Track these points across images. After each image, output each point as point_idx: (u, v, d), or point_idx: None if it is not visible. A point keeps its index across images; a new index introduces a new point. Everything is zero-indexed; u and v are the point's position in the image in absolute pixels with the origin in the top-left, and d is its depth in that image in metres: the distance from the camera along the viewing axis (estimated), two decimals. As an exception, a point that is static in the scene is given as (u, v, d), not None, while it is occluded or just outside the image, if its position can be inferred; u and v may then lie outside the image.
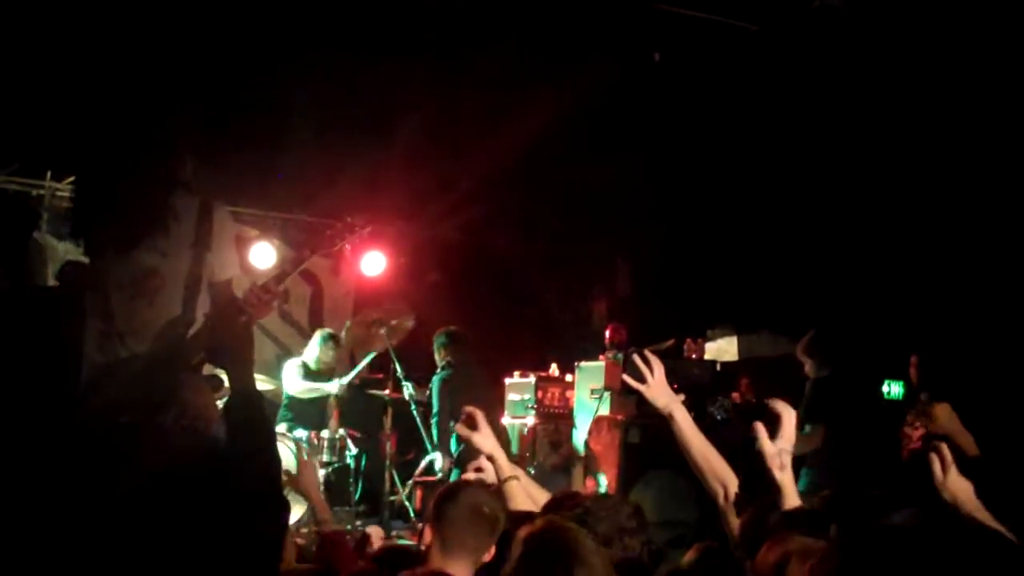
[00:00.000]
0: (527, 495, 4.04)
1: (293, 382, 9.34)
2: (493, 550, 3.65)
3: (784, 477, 3.32)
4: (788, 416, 3.39)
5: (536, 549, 2.74)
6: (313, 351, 9.51)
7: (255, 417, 2.81)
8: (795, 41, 7.59)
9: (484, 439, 4.11)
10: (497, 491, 4.01)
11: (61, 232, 8.00)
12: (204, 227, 4.30)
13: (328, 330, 9.81)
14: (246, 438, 2.75)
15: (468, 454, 8.16)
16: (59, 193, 8.80)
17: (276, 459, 2.82)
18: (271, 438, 2.84)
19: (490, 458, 4.08)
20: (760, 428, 3.32)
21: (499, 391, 9.64)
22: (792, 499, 3.34)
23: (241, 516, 2.57)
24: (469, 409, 4.22)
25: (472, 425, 4.13)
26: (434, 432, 8.78)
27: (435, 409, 8.73)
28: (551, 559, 2.69)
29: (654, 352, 8.89)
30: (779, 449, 3.32)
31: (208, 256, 4.29)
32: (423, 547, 3.73)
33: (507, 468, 4.04)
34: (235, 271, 4.47)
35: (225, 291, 4.32)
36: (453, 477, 8.50)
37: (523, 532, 2.78)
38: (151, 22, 7.31)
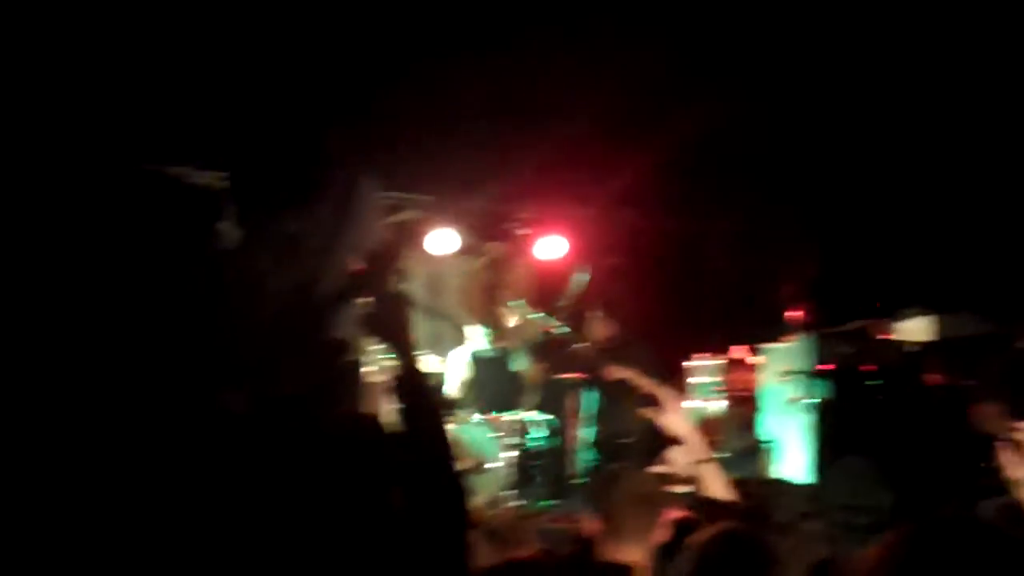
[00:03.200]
0: (723, 479, 3.89)
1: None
2: (665, 530, 3.59)
3: None
4: None
5: (716, 559, 2.63)
6: (477, 335, 9.54)
7: (421, 391, 2.82)
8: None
9: (673, 420, 3.91)
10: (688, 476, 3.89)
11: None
12: (345, 200, 4.33)
13: None
14: (415, 414, 2.76)
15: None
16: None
17: (444, 435, 2.81)
18: (440, 413, 2.84)
19: (680, 440, 3.90)
20: (1006, 452, 3.10)
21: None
22: None
23: (417, 498, 2.57)
24: (651, 389, 4.02)
25: (657, 406, 3.94)
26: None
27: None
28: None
29: (843, 333, 8.64)
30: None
31: (350, 229, 4.32)
32: (592, 535, 3.69)
33: (701, 450, 3.86)
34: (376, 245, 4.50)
35: (377, 281, 4.35)
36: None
37: (697, 541, 2.67)
38: (327, 18, 7.46)
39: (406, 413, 2.80)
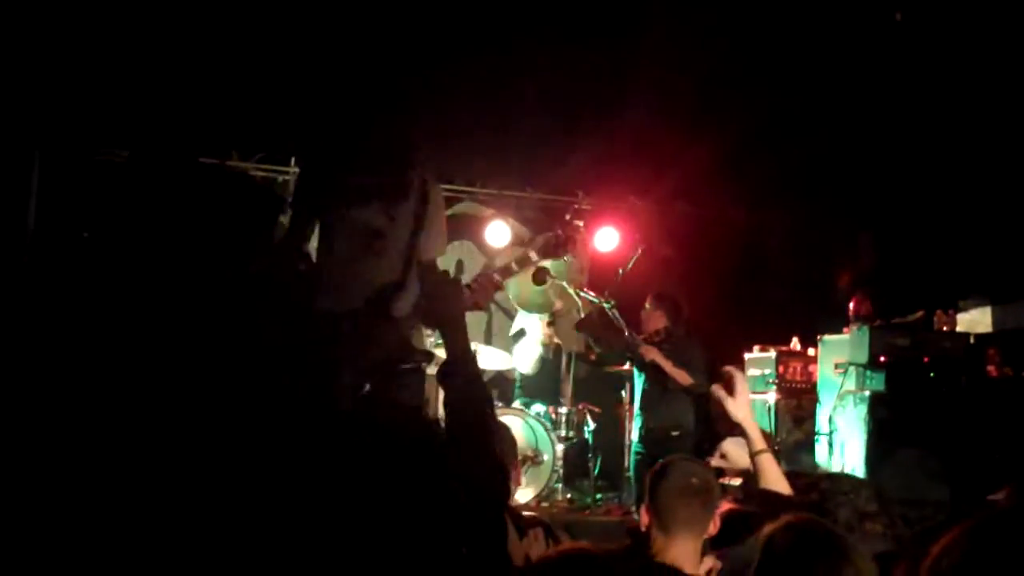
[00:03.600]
0: (780, 471, 3.85)
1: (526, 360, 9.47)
2: (718, 522, 3.57)
3: None
4: None
5: (788, 548, 2.61)
6: (536, 331, 9.54)
7: (472, 378, 2.84)
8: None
9: (738, 406, 3.84)
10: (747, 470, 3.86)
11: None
12: (423, 203, 4.43)
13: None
14: (464, 399, 2.78)
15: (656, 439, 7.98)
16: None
17: (494, 423, 2.83)
18: (488, 400, 2.87)
19: (740, 428, 3.85)
20: None
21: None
22: None
23: (464, 487, 2.59)
24: (730, 369, 3.95)
25: (730, 388, 3.86)
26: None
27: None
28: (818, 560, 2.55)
29: (901, 324, 8.55)
30: None
31: (423, 232, 4.42)
32: (643, 528, 3.67)
33: (759, 440, 3.80)
34: (441, 251, 4.60)
35: (432, 269, 4.46)
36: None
37: (768, 530, 2.65)
38: (385, 10, 7.52)
39: (453, 399, 2.83)
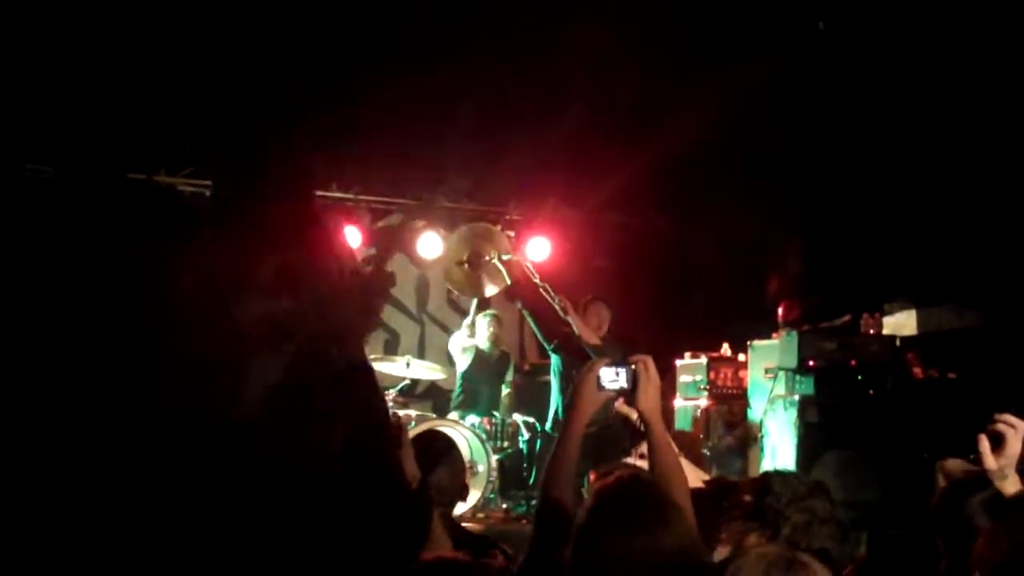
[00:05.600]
0: (693, 473, 3.89)
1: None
2: None
3: (1006, 485, 3.08)
4: (1015, 435, 3.11)
5: (614, 501, 2.63)
6: (483, 334, 9.54)
7: (367, 392, 2.61)
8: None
9: (645, 397, 3.71)
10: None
11: None
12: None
13: (491, 311, 9.80)
14: (358, 415, 2.57)
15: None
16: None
17: (389, 440, 2.67)
18: (385, 417, 2.67)
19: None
20: (984, 442, 3.10)
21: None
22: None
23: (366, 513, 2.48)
24: (638, 357, 3.86)
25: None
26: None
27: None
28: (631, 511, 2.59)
29: (829, 329, 8.63)
30: (1000, 466, 3.09)
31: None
32: None
33: (661, 434, 3.80)
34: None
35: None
36: None
37: (598, 484, 2.70)
38: (312, 24, 7.49)
39: (348, 407, 2.61)
